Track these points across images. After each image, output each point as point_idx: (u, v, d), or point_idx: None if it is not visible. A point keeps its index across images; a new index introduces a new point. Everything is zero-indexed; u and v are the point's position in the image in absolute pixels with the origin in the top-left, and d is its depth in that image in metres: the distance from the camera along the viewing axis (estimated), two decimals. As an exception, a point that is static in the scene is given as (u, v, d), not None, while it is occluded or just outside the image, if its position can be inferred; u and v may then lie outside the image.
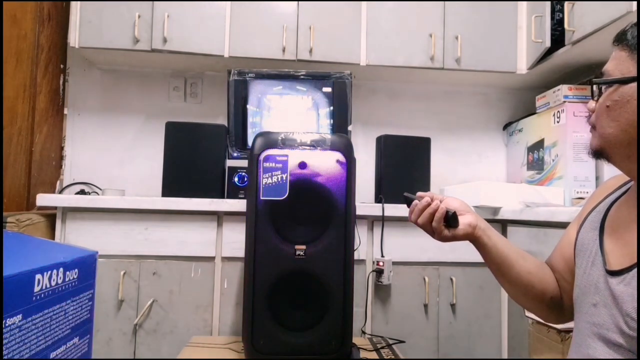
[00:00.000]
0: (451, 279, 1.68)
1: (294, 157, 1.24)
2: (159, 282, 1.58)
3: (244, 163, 1.71)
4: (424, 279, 1.67)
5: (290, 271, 1.25)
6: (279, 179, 1.23)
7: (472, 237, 0.83)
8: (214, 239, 1.61)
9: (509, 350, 1.68)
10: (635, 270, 0.63)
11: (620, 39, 0.67)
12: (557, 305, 0.84)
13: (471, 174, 2.28)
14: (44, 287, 0.51)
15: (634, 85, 0.63)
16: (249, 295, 1.24)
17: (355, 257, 1.37)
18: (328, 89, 1.85)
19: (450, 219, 0.80)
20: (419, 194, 0.86)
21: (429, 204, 0.82)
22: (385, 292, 1.66)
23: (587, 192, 1.70)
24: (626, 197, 0.73)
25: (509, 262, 0.83)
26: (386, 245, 1.64)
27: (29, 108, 1.86)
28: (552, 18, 1.80)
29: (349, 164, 1.26)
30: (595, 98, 0.70)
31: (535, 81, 2.14)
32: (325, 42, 1.93)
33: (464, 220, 0.83)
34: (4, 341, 0.45)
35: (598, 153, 0.70)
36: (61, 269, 0.55)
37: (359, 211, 1.56)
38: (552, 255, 0.88)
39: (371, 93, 2.27)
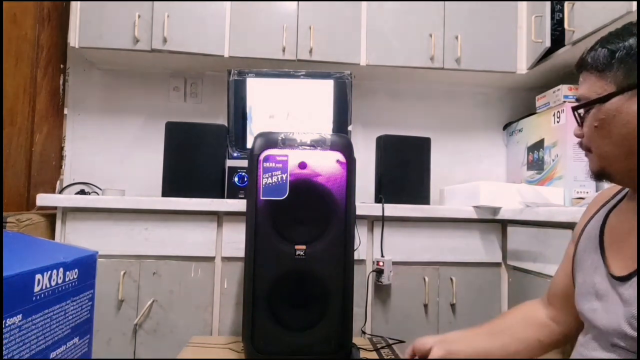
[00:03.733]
0: (451, 279, 1.68)
1: (294, 157, 1.24)
2: (159, 282, 1.58)
3: (244, 163, 1.71)
4: (424, 279, 1.67)
5: (290, 271, 1.24)
6: (279, 179, 1.23)
7: None
8: (214, 239, 1.61)
9: (509, 350, 1.67)
10: None
11: (582, 66, 0.70)
12: (570, 337, 0.84)
13: (471, 174, 2.28)
14: (44, 287, 0.51)
15: (614, 100, 0.65)
16: (249, 295, 1.24)
17: (355, 257, 1.36)
18: (328, 89, 1.85)
19: None
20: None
21: None
22: (385, 292, 1.66)
23: (587, 192, 1.70)
24: (624, 204, 0.74)
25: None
26: (386, 245, 1.64)
27: (29, 108, 1.86)
28: (552, 18, 1.80)
29: (349, 164, 1.26)
30: (580, 123, 0.72)
31: (535, 81, 2.14)
32: (325, 42, 1.93)
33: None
34: (4, 341, 0.45)
35: (600, 174, 0.72)
36: (61, 269, 0.55)
37: (359, 211, 1.56)
38: (555, 285, 0.88)
39: (371, 93, 2.27)
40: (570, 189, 1.72)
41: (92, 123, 2.14)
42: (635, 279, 0.64)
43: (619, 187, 0.78)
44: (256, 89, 1.85)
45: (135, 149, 2.15)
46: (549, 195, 1.68)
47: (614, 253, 0.70)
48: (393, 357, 1.38)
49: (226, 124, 1.81)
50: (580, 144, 0.74)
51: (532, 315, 0.88)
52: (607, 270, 0.70)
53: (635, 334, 0.62)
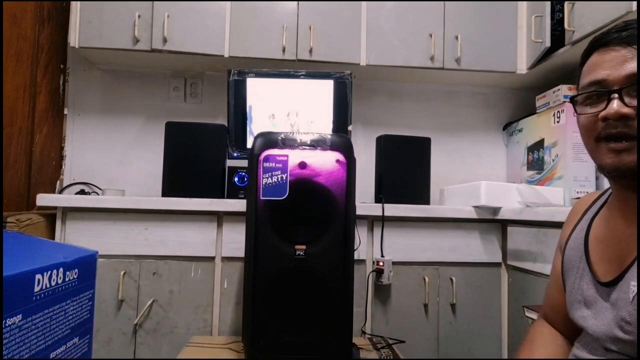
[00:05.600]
0: (451, 279, 1.68)
1: (294, 157, 1.24)
2: (159, 282, 1.58)
3: (244, 163, 1.71)
4: (424, 279, 1.67)
5: (290, 271, 1.24)
6: (279, 179, 1.22)
7: None
8: (214, 239, 1.61)
9: (509, 350, 1.68)
10: (627, 277, 0.63)
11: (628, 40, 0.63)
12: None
13: (471, 174, 2.28)
14: (44, 287, 0.51)
15: None
16: (249, 295, 1.24)
17: (355, 257, 1.37)
18: (328, 89, 1.85)
19: None
20: None
21: None
22: (385, 292, 1.66)
23: (587, 192, 1.70)
24: (606, 211, 0.74)
25: None
26: (386, 245, 1.64)
27: (29, 108, 1.86)
28: (552, 18, 1.80)
29: (349, 164, 1.26)
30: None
31: (535, 81, 2.14)
32: (325, 42, 1.93)
33: None
34: (4, 341, 0.45)
35: (632, 172, 0.60)
36: (61, 269, 0.55)
37: (359, 211, 1.56)
38: (550, 301, 0.87)
39: (371, 93, 2.27)
40: (570, 189, 1.72)
41: (92, 123, 2.14)
42: (621, 283, 0.64)
43: (597, 195, 0.78)
44: (256, 89, 1.85)
45: (135, 149, 2.15)
46: (549, 195, 1.68)
47: (599, 259, 0.70)
48: (393, 357, 1.38)
49: (226, 124, 1.81)
50: (620, 126, 0.59)
51: (550, 335, 0.85)
52: (593, 277, 0.70)
53: (626, 337, 0.62)
